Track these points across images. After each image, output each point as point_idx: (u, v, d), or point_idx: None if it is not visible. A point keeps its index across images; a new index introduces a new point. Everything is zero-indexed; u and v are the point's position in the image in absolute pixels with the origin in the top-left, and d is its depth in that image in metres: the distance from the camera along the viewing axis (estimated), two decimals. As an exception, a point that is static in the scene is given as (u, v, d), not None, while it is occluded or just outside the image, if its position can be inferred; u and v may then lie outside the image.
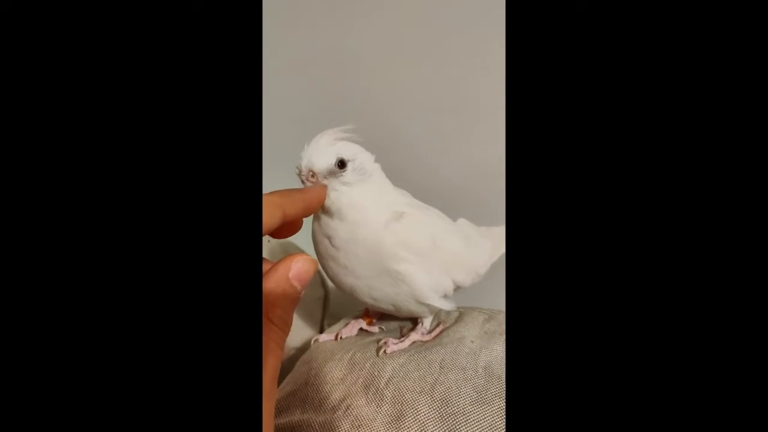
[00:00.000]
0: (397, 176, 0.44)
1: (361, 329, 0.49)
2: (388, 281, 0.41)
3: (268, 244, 0.61)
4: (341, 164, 0.37)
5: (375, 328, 0.49)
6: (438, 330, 0.46)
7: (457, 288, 0.46)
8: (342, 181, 0.38)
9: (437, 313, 0.48)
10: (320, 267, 0.43)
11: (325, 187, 0.37)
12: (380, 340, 0.45)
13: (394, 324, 0.50)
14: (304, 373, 0.43)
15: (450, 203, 0.49)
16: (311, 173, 0.37)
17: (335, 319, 0.57)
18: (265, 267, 0.23)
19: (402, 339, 0.44)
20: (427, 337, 0.45)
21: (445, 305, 0.44)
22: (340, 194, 0.38)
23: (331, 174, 0.37)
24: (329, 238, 0.40)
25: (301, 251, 0.63)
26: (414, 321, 0.47)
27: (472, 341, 0.43)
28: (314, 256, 0.41)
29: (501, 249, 0.50)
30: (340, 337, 0.48)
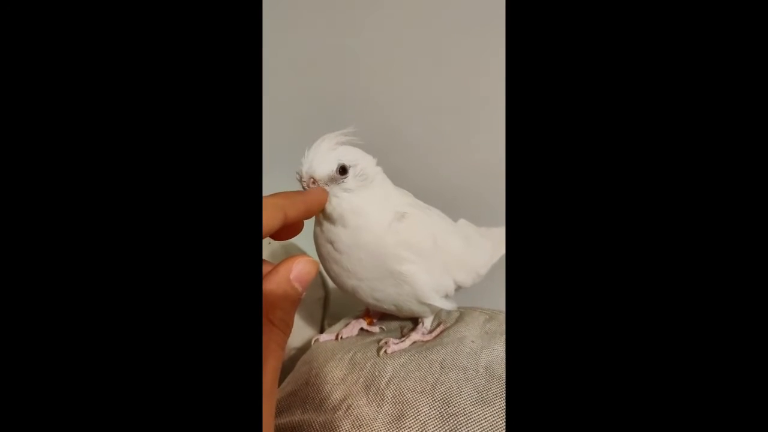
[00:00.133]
0: (398, 177, 0.44)
1: (361, 329, 0.49)
2: (390, 282, 0.41)
3: (270, 246, 0.61)
4: (342, 170, 0.37)
5: (375, 328, 0.49)
6: (439, 330, 0.47)
7: (458, 288, 0.46)
8: (343, 187, 0.38)
9: (438, 313, 0.48)
10: (322, 268, 0.43)
11: (325, 191, 0.37)
12: (381, 340, 0.45)
13: (394, 324, 0.50)
14: (305, 373, 0.43)
15: (450, 204, 0.49)
16: (312, 180, 0.37)
17: (336, 320, 0.57)
18: (266, 268, 0.23)
19: (402, 339, 0.44)
20: (427, 337, 0.45)
21: (447, 305, 0.44)
22: (342, 200, 0.38)
23: (332, 180, 0.37)
24: (332, 242, 0.40)
25: (302, 253, 0.63)
26: (415, 321, 0.47)
27: (472, 341, 0.44)
28: (315, 258, 0.41)
29: (501, 250, 0.51)
30: (341, 337, 0.48)
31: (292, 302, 0.23)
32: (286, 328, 0.22)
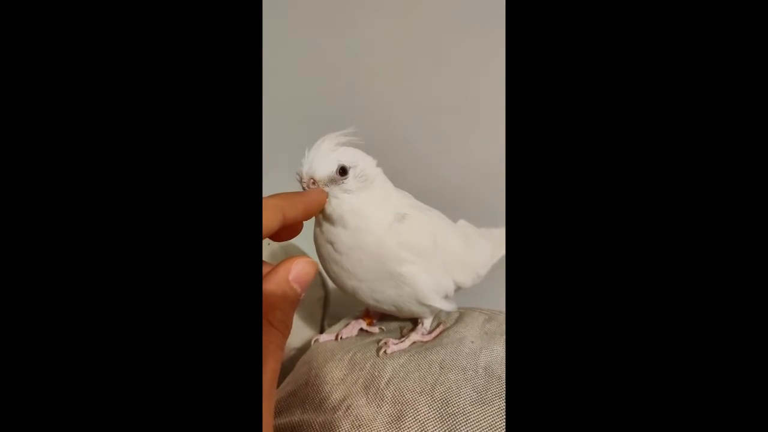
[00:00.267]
0: (397, 177, 0.44)
1: (361, 329, 0.49)
2: (390, 284, 0.41)
3: (269, 247, 0.61)
4: (342, 171, 0.37)
5: (375, 329, 0.49)
6: (438, 330, 0.47)
7: (458, 289, 0.46)
8: (343, 188, 0.38)
9: (437, 314, 0.48)
10: (321, 268, 0.44)
11: (324, 192, 0.37)
12: (380, 340, 0.45)
13: (394, 324, 0.50)
14: (305, 373, 0.43)
15: (450, 204, 0.49)
16: (312, 180, 0.37)
17: (335, 320, 0.57)
18: (266, 269, 0.23)
19: (402, 339, 0.44)
20: (427, 338, 0.45)
21: (446, 306, 0.44)
22: (342, 201, 0.38)
23: (332, 181, 0.37)
24: (332, 243, 0.40)
25: (302, 253, 0.63)
26: (414, 321, 0.47)
27: (472, 342, 0.44)
28: (315, 259, 0.41)
29: (501, 251, 0.51)
30: (341, 338, 0.48)
31: (291, 303, 0.23)
32: (285, 329, 0.22)
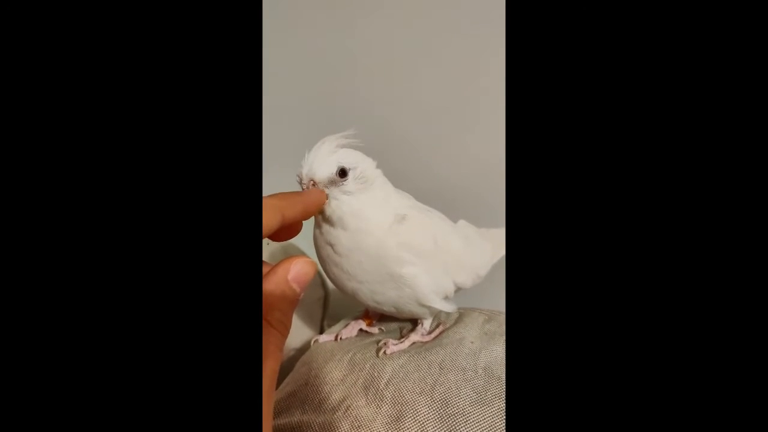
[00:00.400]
0: (397, 177, 0.44)
1: (360, 330, 0.49)
2: (391, 285, 0.41)
3: (268, 247, 0.61)
4: (342, 173, 0.37)
5: (375, 329, 0.49)
6: (438, 331, 0.47)
7: (458, 289, 0.46)
8: (343, 190, 0.38)
9: (437, 314, 0.48)
10: (321, 269, 0.43)
11: (323, 192, 0.37)
12: (380, 341, 0.45)
13: (393, 325, 0.50)
14: (304, 373, 0.43)
15: (450, 204, 0.49)
16: (312, 182, 0.37)
17: (335, 320, 0.57)
18: (265, 269, 0.23)
19: (402, 340, 0.44)
20: (426, 338, 0.45)
21: (446, 307, 0.44)
22: (341, 203, 0.38)
23: (331, 183, 0.37)
24: (331, 245, 0.40)
25: (301, 254, 0.63)
26: (414, 322, 0.47)
27: (471, 342, 0.44)
28: (314, 259, 0.41)
29: (501, 251, 0.51)
30: (340, 338, 0.48)
31: (290, 303, 0.22)
32: (284, 330, 0.22)
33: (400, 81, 0.71)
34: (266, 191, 0.25)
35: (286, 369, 0.48)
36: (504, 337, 0.44)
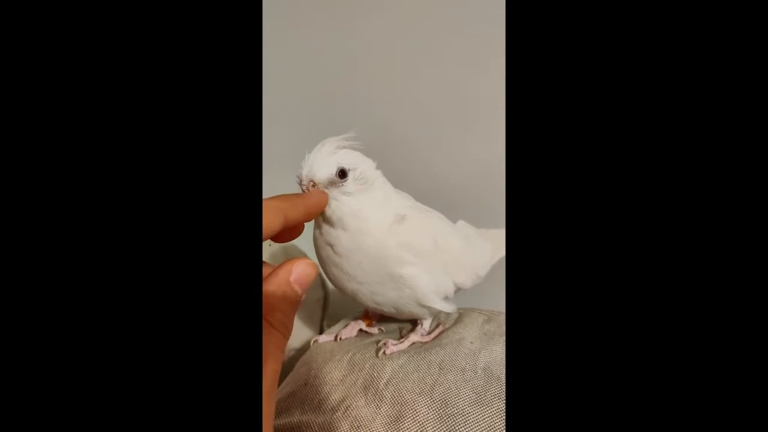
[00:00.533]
0: (397, 177, 0.44)
1: (360, 330, 0.49)
2: (391, 286, 0.41)
3: (270, 248, 0.61)
4: (342, 174, 0.37)
5: (374, 330, 0.49)
6: (437, 331, 0.47)
7: (458, 290, 0.46)
8: (343, 191, 0.38)
9: (437, 315, 0.48)
10: (321, 270, 0.44)
11: (325, 193, 0.37)
12: (379, 341, 0.45)
13: (393, 325, 0.50)
14: (304, 374, 0.43)
15: (450, 204, 0.49)
16: (312, 183, 0.37)
17: (335, 321, 0.57)
18: (266, 271, 0.23)
19: (401, 340, 0.44)
20: (426, 338, 0.45)
21: (446, 307, 0.44)
22: (341, 204, 0.38)
23: (332, 184, 0.37)
24: (331, 246, 0.40)
25: (302, 255, 0.63)
26: (413, 322, 0.47)
27: (471, 342, 0.44)
28: (316, 260, 0.41)
29: (501, 252, 0.51)
30: (340, 338, 0.48)
31: (292, 304, 0.23)
32: (286, 331, 0.22)
33: (400, 81, 0.71)
34: (266, 191, 0.25)
35: (286, 369, 0.48)
36: (504, 338, 0.44)
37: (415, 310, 0.44)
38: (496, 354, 0.42)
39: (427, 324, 0.46)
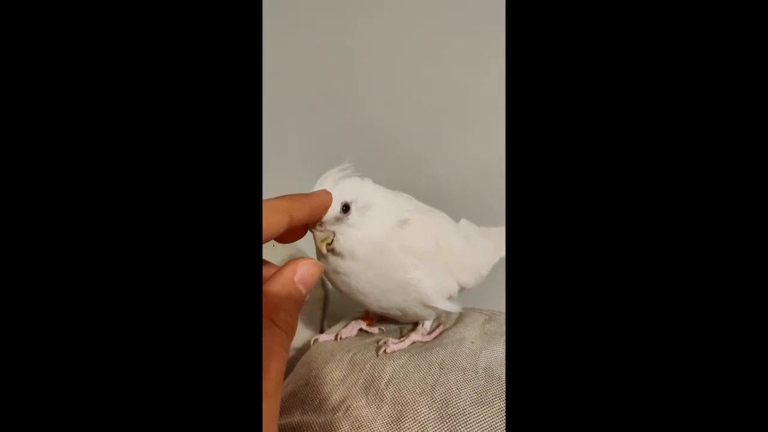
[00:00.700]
0: (397, 177, 0.44)
1: (360, 330, 0.49)
2: (397, 292, 0.42)
3: (273, 249, 0.61)
4: (345, 208, 0.38)
5: (375, 329, 0.49)
6: (438, 331, 0.47)
7: (461, 289, 0.46)
8: (348, 224, 0.38)
9: (437, 315, 0.48)
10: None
11: (329, 193, 0.37)
12: (380, 340, 0.45)
13: (394, 325, 0.50)
14: (305, 374, 0.43)
15: (450, 204, 0.49)
16: (319, 222, 0.37)
17: (335, 321, 0.57)
18: (270, 271, 0.23)
19: (402, 339, 0.45)
20: (427, 338, 0.45)
21: (451, 307, 0.44)
22: (348, 237, 0.38)
23: (337, 220, 0.38)
24: (342, 273, 0.41)
25: (306, 255, 0.63)
26: (414, 322, 0.48)
27: (472, 342, 0.44)
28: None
29: (502, 250, 0.51)
30: (340, 337, 0.48)
31: (296, 304, 0.23)
32: (290, 330, 0.22)
33: (400, 81, 0.71)
34: (266, 191, 0.25)
35: (286, 369, 0.48)
36: (504, 337, 0.44)
37: (420, 312, 0.44)
38: (496, 354, 0.42)
39: (428, 324, 0.46)
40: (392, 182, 0.43)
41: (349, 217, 0.38)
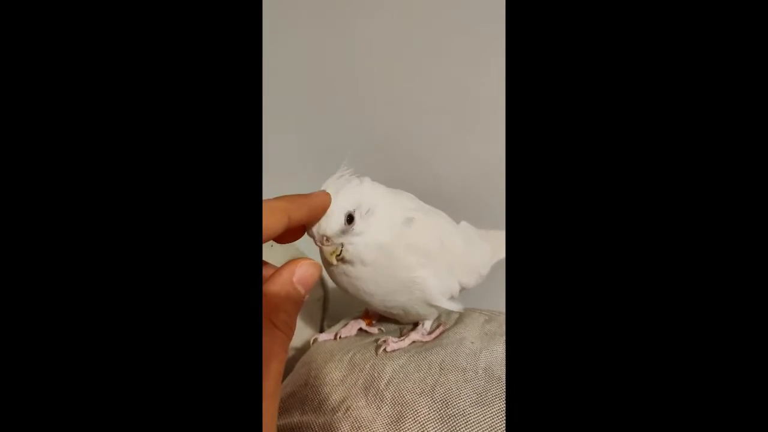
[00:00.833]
0: (397, 177, 0.44)
1: (360, 329, 0.49)
2: (403, 291, 0.42)
3: (272, 249, 0.61)
4: (350, 219, 0.37)
5: (374, 329, 0.49)
6: (438, 331, 0.47)
7: (462, 289, 0.46)
8: (354, 233, 0.38)
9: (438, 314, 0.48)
10: (324, 272, 0.43)
11: (328, 194, 0.36)
12: (379, 339, 0.45)
13: (393, 325, 0.50)
14: (304, 374, 0.43)
15: (450, 204, 0.49)
16: (325, 237, 0.37)
17: (335, 320, 0.57)
18: (269, 271, 0.23)
19: (402, 338, 0.45)
20: (427, 338, 0.46)
21: (453, 306, 0.44)
22: (356, 245, 0.38)
23: (343, 232, 0.37)
24: (352, 277, 0.40)
25: (304, 255, 0.63)
26: (414, 323, 0.48)
27: (472, 342, 0.44)
28: (316, 260, 0.41)
29: (500, 253, 0.51)
30: (339, 337, 0.48)
31: (295, 304, 0.23)
32: (289, 331, 0.22)
33: (400, 81, 0.71)
34: (265, 191, 0.25)
35: (286, 369, 0.48)
36: (504, 337, 0.44)
37: (423, 311, 0.44)
38: (497, 354, 0.42)
39: (428, 324, 0.46)
40: (392, 182, 0.43)
41: (355, 226, 0.38)
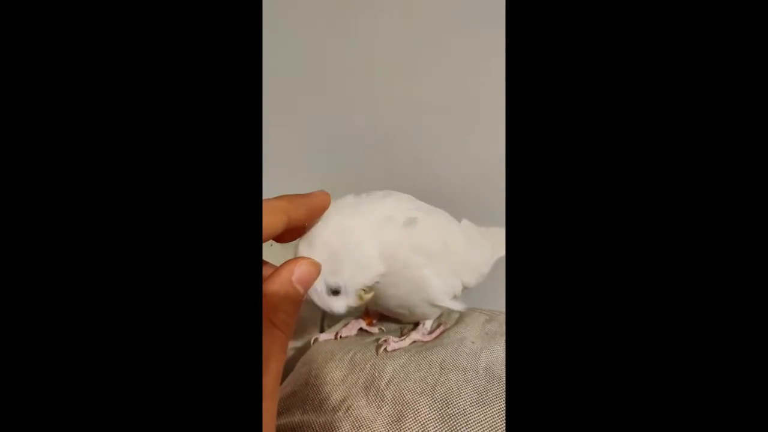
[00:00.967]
0: (397, 177, 0.44)
1: (360, 329, 0.49)
2: (407, 290, 0.41)
3: (271, 249, 0.61)
4: (336, 291, 0.37)
5: (375, 329, 0.49)
6: (438, 331, 0.47)
7: (464, 288, 0.46)
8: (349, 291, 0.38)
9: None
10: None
11: (327, 194, 0.36)
12: (380, 338, 0.45)
13: (394, 325, 0.50)
14: (305, 374, 0.43)
15: (450, 204, 0.49)
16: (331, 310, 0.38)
17: (335, 320, 0.57)
18: (268, 271, 0.23)
19: (403, 337, 0.45)
20: (427, 338, 0.46)
21: (456, 306, 0.44)
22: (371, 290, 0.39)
23: (334, 293, 0.38)
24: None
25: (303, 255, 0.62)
26: (415, 322, 0.48)
27: (472, 342, 0.44)
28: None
29: (500, 250, 0.51)
30: (340, 336, 0.48)
31: (294, 304, 0.23)
32: (288, 330, 0.22)
33: (400, 81, 0.71)
34: (265, 191, 0.25)
35: (286, 369, 0.48)
36: (505, 337, 0.44)
37: (425, 310, 0.44)
38: (497, 354, 0.42)
39: (428, 323, 0.46)
40: (392, 182, 0.43)
41: (340, 293, 0.38)
